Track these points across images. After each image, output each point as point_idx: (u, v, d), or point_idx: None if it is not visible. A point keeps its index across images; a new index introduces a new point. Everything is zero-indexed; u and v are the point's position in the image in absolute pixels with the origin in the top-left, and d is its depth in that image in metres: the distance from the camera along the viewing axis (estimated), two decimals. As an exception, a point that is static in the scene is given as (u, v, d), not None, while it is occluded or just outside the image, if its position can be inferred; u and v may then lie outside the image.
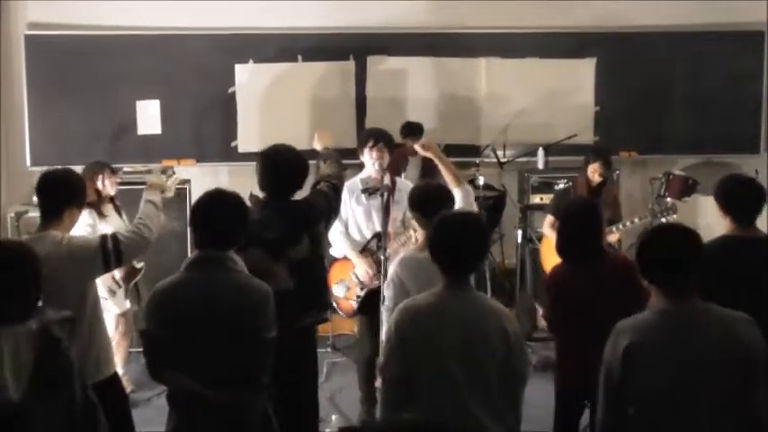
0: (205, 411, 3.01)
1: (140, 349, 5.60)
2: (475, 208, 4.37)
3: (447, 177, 4.10)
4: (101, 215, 5.01)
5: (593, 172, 5.47)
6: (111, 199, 5.19)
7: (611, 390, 2.72)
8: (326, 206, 3.96)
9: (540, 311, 3.79)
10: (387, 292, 3.74)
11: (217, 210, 3.14)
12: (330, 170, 4.15)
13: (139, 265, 5.01)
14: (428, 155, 4.29)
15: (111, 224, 4.93)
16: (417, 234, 3.98)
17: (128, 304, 5.23)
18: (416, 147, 4.39)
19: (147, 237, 3.59)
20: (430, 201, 3.67)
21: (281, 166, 3.83)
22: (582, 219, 3.69)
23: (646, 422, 2.68)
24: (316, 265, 3.90)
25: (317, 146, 4.44)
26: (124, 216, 5.17)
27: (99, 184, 5.09)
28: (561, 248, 3.72)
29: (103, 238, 3.49)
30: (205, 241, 3.10)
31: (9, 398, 2.54)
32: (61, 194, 3.52)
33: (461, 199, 3.95)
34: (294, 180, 3.87)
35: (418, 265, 3.58)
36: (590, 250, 3.63)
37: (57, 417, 2.66)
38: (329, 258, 5.08)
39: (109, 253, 3.44)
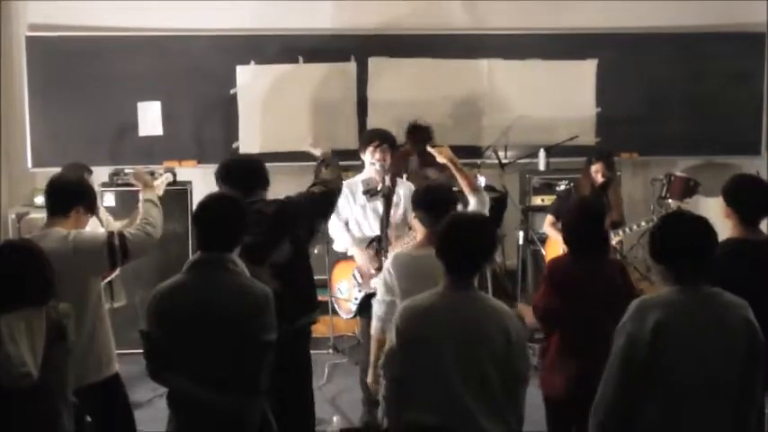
0: (205, 414, 3.00)
1: (137, 350, 5.67)
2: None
3: (462, 184, 4.12)
4: None
5: (596, 172, 5.47)
6: None
7: (634, 364, 2.68)
8: (310, 209, 3.95)
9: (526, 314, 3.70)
10: (379, 284, 3.78)
11: (218, 212, 3.14)
12: (329, 176, 4.14)
13: None
14: (444, 161, 4.27)
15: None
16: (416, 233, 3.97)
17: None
18: (433, 151, 4.36)
19: (153, 235, 3.62)
20: (436, 201, 3.69)
21: (231, 171, 3.87)
22: (587, 214, 3.68)
23: (670, 399, 2.69)
24: (300, 268, 3.88)
25: (317, 152, 4.40)
26: (101, 214, 5.11)
27: None
28: (567, 240, 3.73)
29: (110, 234, 3.51)
30: (206, 243, 3.11)
31: (30, 372, 2.64)
32: (70, 194, 3.56)
33: (476, 206, 3.97)
34: (249, 182, 3.84)
35: (411, 262, 3.61)
36: (593, 246, 3.61)
37: (51, 409, 2.75)
38: (332, 258, 5.08)
39: (115, 250, 3.45)
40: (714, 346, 2.69)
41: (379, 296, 3.79)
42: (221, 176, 3.89)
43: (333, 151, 4.36)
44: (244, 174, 3.88)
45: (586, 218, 3.64)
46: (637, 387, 2.70)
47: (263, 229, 3.66)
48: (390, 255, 3.84)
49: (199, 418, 3.02)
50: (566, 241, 3.73)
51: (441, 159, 4.30)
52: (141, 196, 3.81)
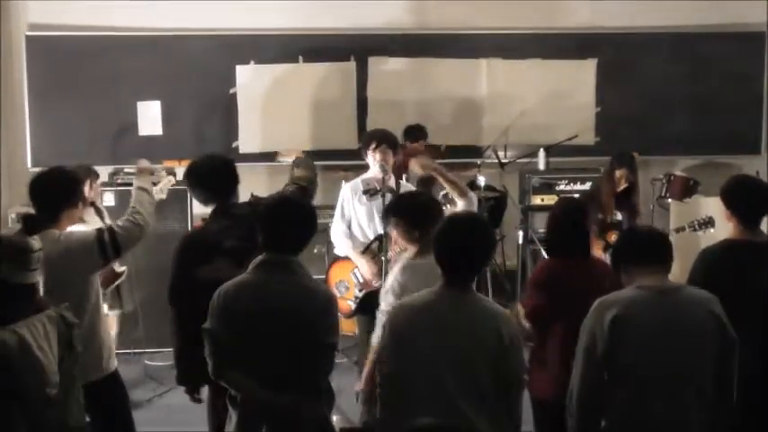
0: (266, 414, 3.00)
1: (137, 350, 5.69)
2: None
3: (451, 190, 4.11)
4: (80, 220, 4.93)
5: (620, 178, 5.45)
6: (92, 203, 5.13)
7: (594, 359, 2.84)
8: None
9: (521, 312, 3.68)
10: (386, 299, 3.68)
11: (287, 216, 3.12)
12: (301, 173, 4.16)
13: (120, 269, 4.82)
14: (429, 173, 4.28)
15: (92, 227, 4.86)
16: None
17: (106, 309, 5.08)
18: (415, 168, 4.39)
19: (143, 224, 3.58)
20: (420, 212, 3.63)
21: (205, 176, 3.78)
22: (569, 218, 3.67)
23: (633, 391, 2.82)
24: None
25: (290, 159, 4.45)
26: (106, 219, 5.12)
27: (85, 190, 5.02)
28: (550, 245, 3.74)
29: (100, 231, 3.50)
30: (273, 245, 3.09)
31: (55, 381, 2.61)
32: (56, 196, 3.52)
33: (464, 209, 3.96)
34: (226, 185, 3.80)
35: (420, 270, 3.53)
36: (577, 249, 3.59)
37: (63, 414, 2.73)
38: (330, 257, 5.08)
39: (105, 244, 3.44)
40: (673, 340, 2.80)
41: (384, 306, 3.65)
42: (194, 182, 3.79)
43: (306, 153, 4.40)
44: (220, 177, 3.79)
45: (566, 221, 3.64)
46: (600, 378, 2.86)
47: (246, 234, 3.59)
48: (396, 268, 3.74)
49: (259, 419, 3.02)
50: (546, 244, 3.74)
51: (422, 172, 4.31)
52: (135, 182, 3.79)
